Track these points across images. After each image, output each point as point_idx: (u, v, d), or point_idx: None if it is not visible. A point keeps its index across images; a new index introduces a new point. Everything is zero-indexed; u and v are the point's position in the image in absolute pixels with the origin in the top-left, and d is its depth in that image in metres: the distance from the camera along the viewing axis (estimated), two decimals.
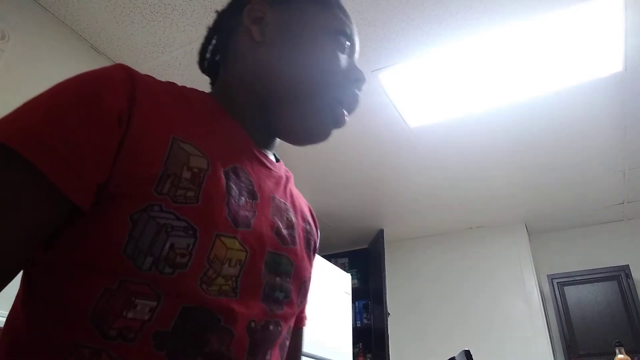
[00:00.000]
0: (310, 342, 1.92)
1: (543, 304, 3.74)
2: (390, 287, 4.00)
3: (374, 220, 4.07)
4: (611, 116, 2.67)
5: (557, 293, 3.60)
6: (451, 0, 1.94)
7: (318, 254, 2.29)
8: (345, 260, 4.52)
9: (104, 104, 0.42)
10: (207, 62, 0.63)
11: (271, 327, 0.51)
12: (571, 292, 3.56)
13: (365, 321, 4.15)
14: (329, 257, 4.25)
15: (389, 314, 3.85)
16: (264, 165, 0.57)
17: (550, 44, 2.16)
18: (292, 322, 0.57)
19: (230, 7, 0.61)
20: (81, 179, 0.40)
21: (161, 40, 2.15)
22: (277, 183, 0.58)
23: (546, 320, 3.65)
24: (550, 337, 3.58)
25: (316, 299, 2.08)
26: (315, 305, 2.06)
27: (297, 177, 3.64)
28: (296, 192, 0.67)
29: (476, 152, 3.05)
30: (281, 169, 0.62)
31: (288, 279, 0.54)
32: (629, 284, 3.40)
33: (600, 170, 3.21)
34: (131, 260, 0.40)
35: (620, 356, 2.29)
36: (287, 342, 0.58)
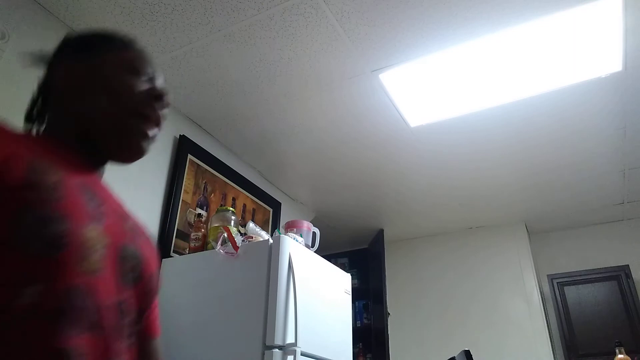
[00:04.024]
0: (310, 342, 1.92)
1: (543, 304, 3.74)
2: (390, 287, 4.00)
3: (374, 220, 4.07)
4: (611, 116, 2.67)
5: (557, 293, 3.60)
6: (451, 0, 1.95)
7: (318, 254, 2.29)
8: (345, 260, 4.52)
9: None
10: (35, 113, 0.75)
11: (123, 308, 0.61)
12: (571, 292, 3.56)
13: (365, 321, 4.15)
14: (329, 257, 4.24)
15: (389, 314, 3.85)
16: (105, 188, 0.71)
17: (549, 44, 2.16)
18: (141, 305, 0.66)
19: (46, 71, 0.77)
20: None
21: (161, 40, 2.15)
22: (119, 203, 0.73)
23: (546, 320, 3.65)
24: (550, 337, 3.58)
25: (316, 299, 2.08)
26: (315, 305, 2.06)
27: (298, 177, 3.66)
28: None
29: (476, 152, 3.05)
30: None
31: (138, 268, 0.66)
32: (629, 284, 3.40)
33: (600, 170, 3.21)
34: (20, 249, 0.51)
35: (620, 356, 2.30)
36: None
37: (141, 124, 0.71)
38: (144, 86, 0.73)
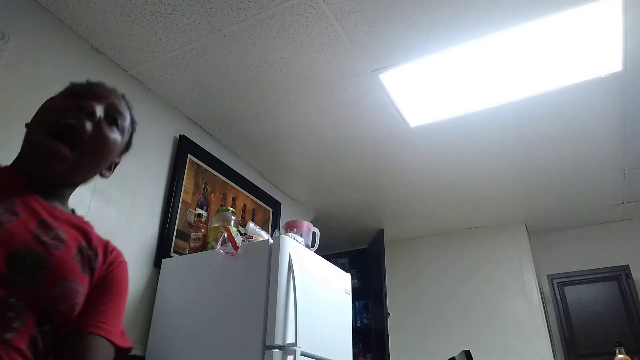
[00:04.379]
0: (310, 342, 1.92)
1: (543, 304, 3.74)
2: (390, 287, 3.99)
3: (374, 220, 4.07)
4: (611, 116, 2.67)
5: (557, 293, 3.60)
6: (451, 0, 1.94)
7: (318, 254, 2.29)
8: (345, 260, 4.52)
9: None
10: None
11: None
12: (571, 292, 3.56)
13: (365, 321, 4.15)
14: (329, 257, 4.23)
15: (389, 314, 3.85)
16: (41, 203, 0.79)
17: (549, 44, 2.16)
18: (43, 307, 0.71)
19: None
20: None
21: (161, 40, 2.15)
22: (56, 218, 0.80)
23: (546, 320, 3.65)
24: (550, 337, 3.58)
25: (316, 299, 2.08)
26: (315, 305, 2.06)
27: (298, 177, 3.65)
28: (80, 224, 0.87)
29: (476, 152, 3.05)
30: (68, 216, 0.85)
31: (37, 271, 0.71)
32: (629, 284, 3.40)
33: (600, 170, 3.21)
34: None
35: (620, 356, 2.30)
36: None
37: (51, 143, 0.78)
38: (69, 103, 0.82)
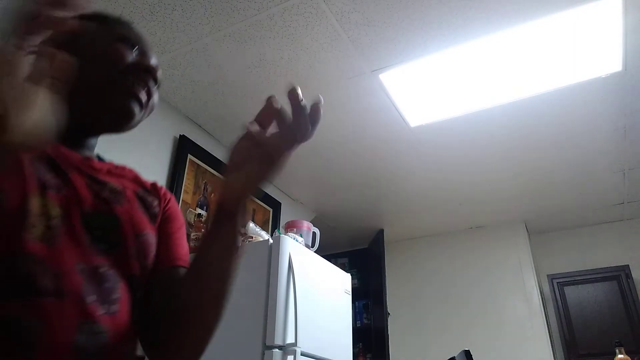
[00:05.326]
0: (310, 342, 1.92)
1: (543, 304, 3.74)
2: (390, 287, 3.99)
3: (374, 220, 4.07)
4: (611, 116, 2.67)
5: (557, 293, 3.60)
6: (451, 0, 1.94)
7: (318, 254, 2.29)
8: (345, 260, 4.52)
9: None
10: None
11: (101, 271, 0.60)
12: (571, 292, 3.56)
13: (365, 321, 4.15)
14: (329, 257, 4.22)
15: (389, 313, 3.85)
16: (75, 157, 0.68)
17: (549, 44, 2.16)
18: (131, 270, 0.64)
19: None
20: None
21: (161, 40, 2.15)
22: (99, 170, 0.70)
23: (546, 320, 3.65)
24: (550, 337, 3.58)
25: (316, 299, 2.08)
26: (315, 305, 2.06)
27: (298, 177, 3.64)
28: (123, 171, 0.77)
29: (476, 152, 3.05)
30: (107, 165, 0.74)
31: (112, 233, 0.64)
32: (629, 284, 3.40)
33: (600, 170, 3.21)
34: None
35: (620, 356, 2.29)
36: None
37: (129, 83, 0.69)
38: (133, 58, 0.71)
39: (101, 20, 0.75)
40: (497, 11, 2.00)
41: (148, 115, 0.76)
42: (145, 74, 0.71)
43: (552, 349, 3.53)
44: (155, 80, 0.73)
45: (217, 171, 2.85)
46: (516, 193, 3.56)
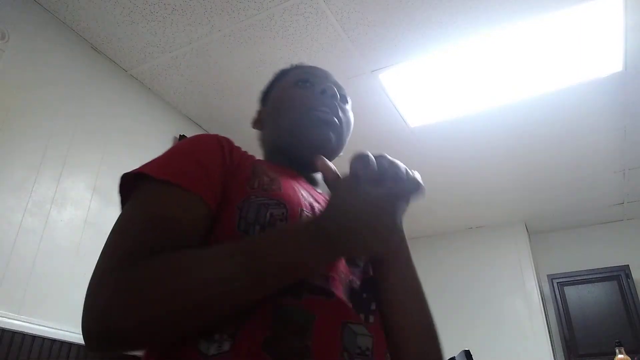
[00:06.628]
0: None
1: (543, 304, 3.74)
2: None
3: None
4: (611, 116, 2.67)
5: (557, 293, 3.60)
6: (451, 0, 1.94)
7: None
8: None
9: (215, 145, 0.67)
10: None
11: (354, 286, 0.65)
12: (571, 292, 3.56)
13: None
14: None
15: None
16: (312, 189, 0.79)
17: (550, 44, 2.16)
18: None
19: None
20: (208, 187, 0.61)
21: (161, 40, 2.15)
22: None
23: (546, 320, 3.65)
24: (550, 337, 3.58)
25: None
26: None
27: None
28: None
29: (476, 152, 3.05)
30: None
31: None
32: (629, 284, 3.40)
33: (600, 170, 3.21)
34: (244, 232, 0.59)
35: (620, 356, 2.30)
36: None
37: (314, 114, 0.79)
38: (308, 91, 0.83)
39: (278, 76, 0.94)
40: (497, 11, 2.00)
41: (349, 129, 0.85)
42: (322, 96, 0.81)
43: (552, 349, 3.52)
44: (335, 96, 0.82)
45: None
46: (516, 193, 3.56)
